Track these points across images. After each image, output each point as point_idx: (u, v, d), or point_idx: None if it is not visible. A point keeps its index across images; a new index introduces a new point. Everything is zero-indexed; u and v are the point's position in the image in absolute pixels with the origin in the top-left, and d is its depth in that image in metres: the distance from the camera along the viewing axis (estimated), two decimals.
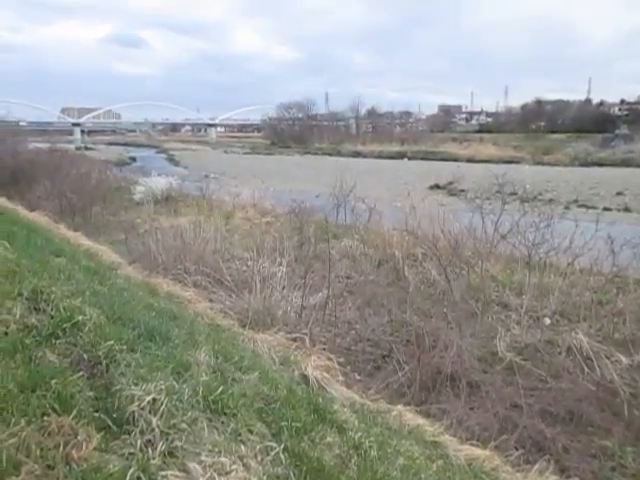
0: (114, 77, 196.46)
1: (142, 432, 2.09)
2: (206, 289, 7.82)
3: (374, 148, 66.85)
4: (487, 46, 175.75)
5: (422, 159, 55.66)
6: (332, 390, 4.13)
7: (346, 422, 3.19)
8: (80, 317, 2.89)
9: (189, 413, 2.29)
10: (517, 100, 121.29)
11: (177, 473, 1.96)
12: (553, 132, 69.11)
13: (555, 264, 8.81)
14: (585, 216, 11.61)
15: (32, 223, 8.39)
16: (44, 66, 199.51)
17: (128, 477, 1.83)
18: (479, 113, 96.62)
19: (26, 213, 10.48)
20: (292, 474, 2.29)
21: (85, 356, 2.54)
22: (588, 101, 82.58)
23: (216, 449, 2.15)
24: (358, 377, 5.87)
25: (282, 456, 2.35)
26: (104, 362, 2.51)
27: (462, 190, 25.75)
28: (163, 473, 1.93)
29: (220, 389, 2.60)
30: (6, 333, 2.60)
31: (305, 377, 4.13)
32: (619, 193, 27.15)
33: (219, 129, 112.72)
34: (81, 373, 2.37)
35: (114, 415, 2.16)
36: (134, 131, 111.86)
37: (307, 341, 5.40)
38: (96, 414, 2.14)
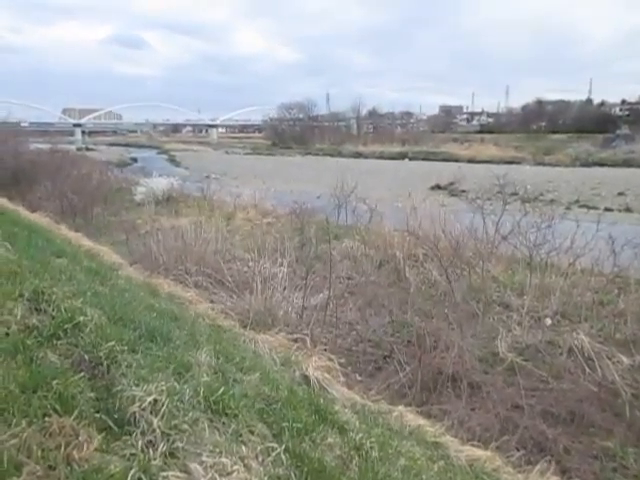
0: (115, 78, 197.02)
1: (143, 433, 2.09)
2: (207, 290, 7.82)
3: (375, 149, 66.89)
4: (488, 46, 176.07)
5: (423, 160, 55.69)
6: (333, 391, 4.12)
7: (347, 423, 3.19)
8: (81, 318, 2.89)
9: (190, 414, 2.29)
10: (518, 100, 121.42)
11: (178, 474, 1.96)
12: (554, 132, 69.07)
13: (556, 264, 8.81)
14: (586, 216, 11.57)
15: (33, 224, 8.39)
16: (45, 67, 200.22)
17: (129, 478, 1.83)
18: (480, 113, 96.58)
19: (27, 214, 10.48)
20: (293, 475, 2.29)
21: (86, 357, 2.54)
22: (589, 101, 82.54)
23: (217, 450, 2.15)
24: (359, 378, 5.87)
25: (283, 457, 2.35)
26: (105, 363, 2.51)
27: (463, 191, 25.79)
28: (164, 474, 1.93)
29: (221, 390, 2.59)
30: (7, 334, 2.60)
31: (306, 378, 4.12)
32: (620, 193, 27.13)
33: (220, 130, 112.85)
34: (82, 374, 2.37)
35: (115, 416, 2.16)
36: (135, 132, 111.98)
37: (308, 342, 5.40)
38: (97, 415, 2.14)
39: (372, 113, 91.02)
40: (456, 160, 51.51)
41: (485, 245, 9.48)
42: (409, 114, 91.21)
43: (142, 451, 2.00)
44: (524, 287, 8.31)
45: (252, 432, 2.44)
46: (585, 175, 36.16)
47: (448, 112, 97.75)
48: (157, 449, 2.03)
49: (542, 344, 6.40)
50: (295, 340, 5.32)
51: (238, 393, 2.73)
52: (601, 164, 46.20)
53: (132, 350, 2.75)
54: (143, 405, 2.20)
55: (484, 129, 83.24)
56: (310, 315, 7.12)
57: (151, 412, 2.19)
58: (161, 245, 9.85)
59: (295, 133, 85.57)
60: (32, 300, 3.02)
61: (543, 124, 77.03)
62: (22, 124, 60.55)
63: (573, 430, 5.03)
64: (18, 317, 2.77)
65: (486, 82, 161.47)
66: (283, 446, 2.41)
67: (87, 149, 59.26)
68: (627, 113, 73.48)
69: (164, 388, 2.35)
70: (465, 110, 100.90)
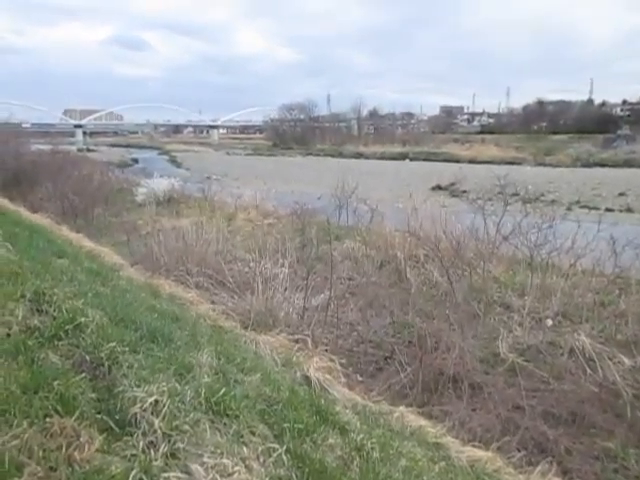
0: (116, 79, 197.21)
1: (144, 434, 2.09)
2: (208, 290, 7.83)
3: (376, 149, 66.95)
4: (488, 46, 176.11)
5: (424, 160, 55.73)
6: (334, 391, 4.12)
7: (348, 423, 3.19)
8: (82, 319, 2.89)
9: (191, 415, 2.29)
10: (519, 101, 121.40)
11: (179, 475, 1.96)
12: (555, 133, 69.06)
13: (557, 265, 8.80)
14: (587, 217, 11.56)
15: (34, 225, 8.39)
16: (46, 68, 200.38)
17: (130, 479, 1.83)
18: (481, 114, 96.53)
19: (28, 214, 10.49)
20: (294, 476, 2.29)
21: (87, 358, 2.54)
22: (590, 101, 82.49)
23: (218, 451, 2.15)
24: (360, 378, 5.87)
25: (284, 457, 2.35)
26: (106, 364, 2.52)
27: (464, 191, 25.81)
28: (165, 475, 1.93)
29: (222, 391, 2.60)
30: (8, 335, 2.60)
31: (307, 378, 4.13)
32: (621, 194, 27.13)
33: (221, 131, 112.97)
34: (83, 375, 2.38)
35: (116, 417, 2.16)
36: (136, 133, 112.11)
37: (309, 342, 5.39)
38: (98, 416, 2.14)
39: (373, 114, 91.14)
40: (457, 161, 51.56)
41: (486, 246, 9.48)
42: (410, 115, 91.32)
43: (143, 452, 2.01)
44: (525, 288, 8.30)
45: (253, 433, 2.44)
46: (586, 175, 36.15)
47: (449, 113, 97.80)
48: (158, 450, 2.03)
49: (543, 345, 6.39)
50: (296, 341, 5.32)
51: (239, 394, 2.73)
52: (602, 164, 46.17)
53: (133, 351, 2.75)
54: (144, 406, 2.21)
55: (485, 130, 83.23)
56: (311, 316, 7.11)
57: (152, 413, 2.19)
58: (162, 246, 9.85)
59: (296, 134, 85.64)
60: (33, 301, 3.03)
61: (544, 124, 77.01)
62: (23, 125, 60.57)
63: (574, 431, 5.03)
64: (19, 318, 2.77)
65: (487, 82, 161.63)
66: (284, 447, 2.41)
67: (88, 150, 59.32)
68: (628, 113, 73.41)
69: (165, 389, 2.35)
70: (466, 110, 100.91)
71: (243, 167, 45.26)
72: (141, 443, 2.04)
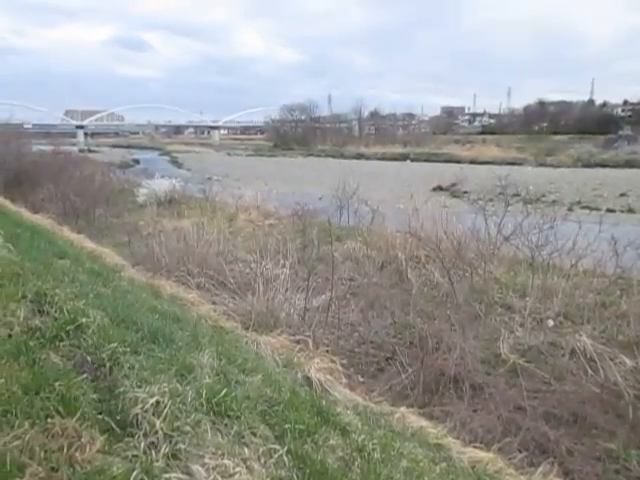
0: (117, 79, 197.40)
1: (145, 434, 2.10)
2: (209, 291, 7.83)
3: (377, 150, 66.97)
4: (489, 47, 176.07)
5: (425, 161, 55.78)
6: (335, 392, 4.12)
7: (349, 424, 3.19)
8: (84, 319, 2.90)
9: (192, 415, 2.30)
10: (520, 101, 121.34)
11: (180, 476, 1.96)
12: (556, 133, 69.12)
13: (558, 266, 8.79)
14: (588, 217, 11.55)
15: (36, 225, 8.41)
16: (47, 68, 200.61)
17: (131, 479, 1.84)
18: (482, 115, 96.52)
19: (30, 215, 10.52)
20: (295, 477, 2.29)
21: (89, 358, 2.55)
22: (591, 102, 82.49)
23: (219, 451, 2.15)
24: (361, 379, 5.86)
25: (285, 458, 2.35)
26: (108, 364, 2.52)
27: (465, 192, 25.80)
28: (166, 475, 1.94)
29: (223, 391, 2.60)
30: (10, 335, 2.61)
31: (308, 379, 4.13)
32: (622, 194, 27.12)
33: (222, 131, 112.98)
34: (85, 375, 2.38)
35: (118, 417, 2.17)
36: (137, 133, 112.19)
37: (310, 343, 5.39)
38: (100, 416, 2.14)
39: (374, 114, 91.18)
40: (458, 161, 51.57)
41: (487, 246, 9.47)
42: (411, 115, 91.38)
43: (144, 453, 2.01)
44: (526, 288, 8.29)
45: (254, 434, 2.44)
46: (587, 176, 36.14)
47: (450, 113, 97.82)
48: (159, 451, 2.03)
49: (544, 345, 6.39)
50: (297, 342, 5.32)
51: (240, 395, 2.73)
52: (603, 165, 46.17)
53: (134, 352, 2.75)
54: (145, 407, 2.21)
55: (486, 130, 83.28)
56: (312, 317, 7.11)
57: (153, 414, 2.19)
58: (163, 247, 9.86)
59: (297, 134, 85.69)
60: (35, 302, 3.03)
61: (545, 125, 77.07)
62: (25, 126, 60.64)
63: (576, 432, 5.02)
64: (21, 319, 2.78)
65: (488, 83, 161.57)
66: (285, 448, 2.41)
67: (89, 151, 59.39)
68: (629, 114, 73.42)
69: (166, 390, 2.35)
70: (467, 111, 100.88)
71: (244, 168, 45.27)
72: (142, 444, 2.05)
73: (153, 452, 2.02)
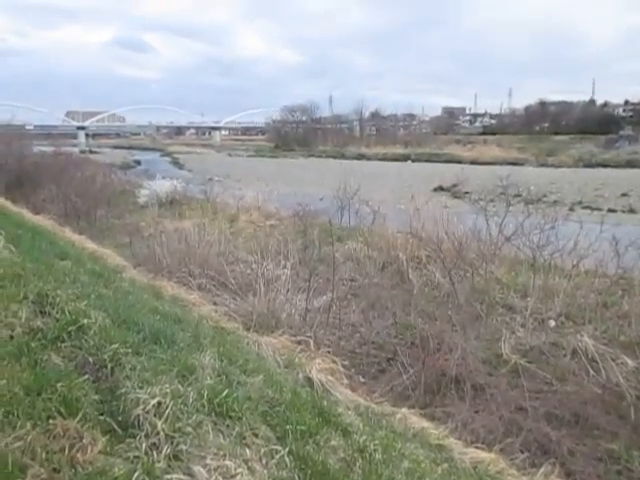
0: (118, 80, 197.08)
1: (147, 435, 2.10)
2: (210, 292, 7.83)
3: (378, 150, 67.02)
4: (489, 47, 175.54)
5: (426, 161, 55.84)
6: (336, 393, 4.12)
7: (351, 425, 3.19)
8: (85, 320, 2.90)
9: (194, 416, 2.30)
10: (521, 102, 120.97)
11: (182, 477, 1.96)
12: (557, 133, 69.11)
13: (560, 266, 8.78)
14: (590, 218, 11.59)
15: (37, 226, 8.42)
16: (48, 70, 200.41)
17: None
18: (483, 115, 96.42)
19: (31, 216, 10.53)
20: (297, 477, 2.29)
21: (90, 359, 2.55)
22: (592, 102, 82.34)
23: (221, 452, 2.15)
24: (362, 380, 5.86)
25: (287, 459, 2.35)
26: (109, 365, 2.52)
27: (466, 192, 25.77)
28: (168, 476, 1.94)
29: (225, 392, 2.60)
30: (12, 337, 2.61)
31: (309, 380, 4.13)
32: (624, 194, 27.11)
33: (223, 132, 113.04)
34: (86, 376, 2.38)
35: (119, 418, 2.17)
36: (138, 134, 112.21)
37: (311, 344, 5.39)
38: (101, 417, 2.14)
39: (375, 115, 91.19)
40: (459, 162, 51.58)
41: (488, 247, 9.47)
42: (412, 116, 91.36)
43: (146, 454, 2.01)
44: (528, 289, 8.29)
45: (256, 435, 2.44)
46: (588, 176, 36.14)
47: (451, 114, 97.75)
48: (161, 452, 2.03)
49: (546, 346, 6.38)
50: (298, 342, 5.33)
51: (242, 396, 2.73)
52: (604, 165, 46.19)
53: (136, 353, 2.76)
54: (147, 408, 2.21)
55: (487, 130, 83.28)
56: (313, 317, 7.11)
57: (155, 415, 2.19)
58: (164, 247, 9.86)
59: (298, 135, 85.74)
60: (36, 303, 3.04)
61: (546, 125, 77.02)
62: (27, 127, 60.71)
63: (577, 432, 5.01)
64: (22, 319, 2.78)
65: (489, 83, 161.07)
66: (287, 449, 2.41)
67: (90, 152, 59.48)
68: (630, 114, 73.29)
69: (168, 391, 2.35)
70: (468, 111, 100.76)
71: (245, 169, 45.28)
72: (144, 445, 2.05)
73: (155, 453, 2.02)
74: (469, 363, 5.78)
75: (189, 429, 2.20)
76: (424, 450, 3.50)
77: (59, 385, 2.19)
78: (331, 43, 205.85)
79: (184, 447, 2.10)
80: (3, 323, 2.72)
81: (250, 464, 2.18)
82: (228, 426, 2.40)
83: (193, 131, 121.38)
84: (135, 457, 1.98)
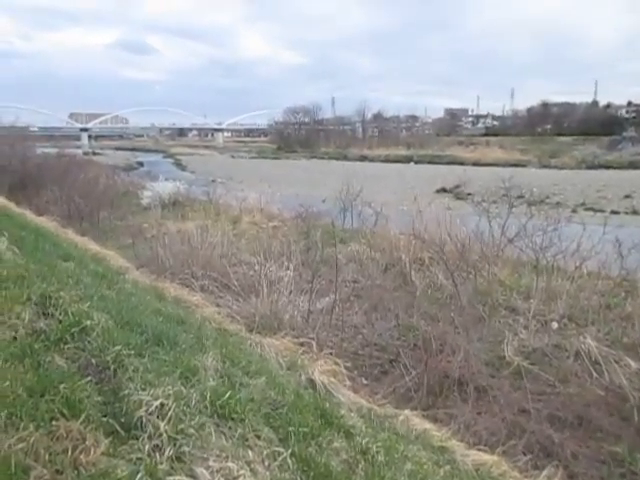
0: (121, 82, 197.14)
1: (150, 437, 2.10)
2: (213, 293, 7.83)
3: (380, 152, 67.04)
4: (492, 49, 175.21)
5: (428, 163, 55.87)
6: (339, 395, 4.12)
7: (353, 427, 3.19)
8: (88, 322, 2.91)
9: (197, 418, 2.30)
10: (523, 103, 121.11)
11: (185, 478, 1.96)
12: (560, 135, 69.01)
13: (563, 268, 8.76)
14: (593, 219, 11.53)
15: (40, 228, 8.44)
16: (52, 72, 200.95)
17: None
18: (485, 116, 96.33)
19: (34, 218, 10.55)
20: (299, 479, 2.29)
21: (93, 361, 2.55)
22: (595, 103, 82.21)
23: (223, 454, 2.15)
24: (365, 382, 5.86)
25: (289, 461, 2.35)
26: (112, 367, 2.52)
27: (469, 194, 25.71)
28: (171, 478, 1.94)
29: (227, 394, 2.60)
30: (15, 338, 2.62)
31: (312, 382, 4.12)
32: (627, 196, 27.04)
33: (226, 134, 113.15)
34: (89, 378, 2.38)
35: (122, 420, 2.17)
36: (141, 136, 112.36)
37: (314, 345, 5.40)
38: (104, 419, 2.15)
39: (377, 116, 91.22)
40: (461, 163, 51.46)
41: (491, 248, 9.46)
42: (414, 117, 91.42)
43: (149, 455, 2.01)
44: (530, 290, 8.27)
45: (258, 436, 2.44)
46: (591, 178, 36.08)
47: (453, 115, 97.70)
48: (164, 453, 2.04)
49: (549, 348, 6.37)
50: (301, 344, 5.33)
51: (244, 397, 2.73)
52: (607, 166, 46.11)
53: (139, 354, 2.76)
54: (150, 409, 2.21)
55: (489, 132, 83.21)
56: (316, 319, 7.11)
57: (158, 416, 2.20)
58: (167, 249, 9.88)
59: (301, 137, 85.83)
60: (39, 304, 3.04)
61: (548, 127, 76.93)
62: (31, 129, 60.86)
63: (580, 435, 5.00)
64: (26, 321, 2.79)
65: (491, 85, 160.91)
66: (289, 450, 2.41)
67: (94, 153, 59.59)
68: (633, 115, 73.10)
69: (171, 392, 2.36)
70: (470, 113, 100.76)
71: (248, 170, 45.31)
72: (147, 446, 2.05)
73: (157, 455, 2.02)
74: (472, 365, 5.77)
75: (192, 431, 2.20)
76: (426, 452, 3.49)
77: (62, 387, 2.20)
78: (333, 45, 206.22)
79: (187, 449, 2.10)
80: (6, 324, 2.72)
81: (252, 466, 2.18)
82: (231, 428, 2.40)
83: (196, 133, 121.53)
84: (138, 459, 1.98)
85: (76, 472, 1.82)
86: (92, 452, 1.91)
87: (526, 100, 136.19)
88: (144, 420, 2.17)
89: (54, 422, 1.99)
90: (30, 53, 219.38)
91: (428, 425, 4.22)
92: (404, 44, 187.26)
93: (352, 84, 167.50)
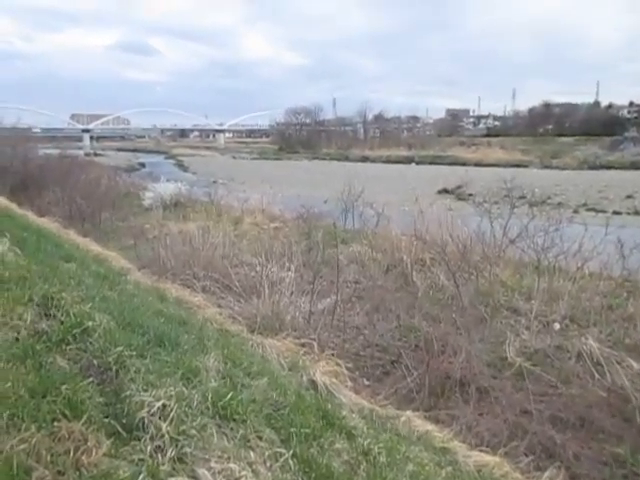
0: (123, 83, 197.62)
1: (152, 438, 2.10)
2: (215, 294, 7.83)
3: (382, 153, 67.04)
4: (493, 49, 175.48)
5: (430, 163, 55.86)
6: (341, 396, 4.12)
7: (355, 428, 3.18)
8: (90, 323, 2.91)
9: (198, 419, 2.30)
10: (525, 103, 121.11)
11: (186, 479, 1.96)
12: (561, 135, 68.94)
13: (564, 268, 8.76)
14: (594, 220, 11.53)
15: (42, 229, 8.45)
16: (53, 73, 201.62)
17: None
18: (486, 117, 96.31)
19: (36, 219, 10.56)
20: None
21: (95, 362, 2.56)
22: (596, 104, 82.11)
23: (225, 455, 2.15)
24: (367, 382, 5.85)
25: (291, 462, 2.35)
26: (114, 368, 2.52)
27: (470, 194, 25.71)
28: (173, 479, 1.94)
29: (229, 395, 2.60)
30: (17, 339, 2.62)
31: (314, 383, 4.12)
32: (629, 196, 27.00)
33: (227, 135, 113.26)
34: (91, 379, 2.39)
35: (124, 421, 2.17)
36: (143, 137, 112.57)
37: (315, 346, 5.40)
38: (106, 420, 2.15)
39: (378, 117, 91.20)
40: (463, 164, 51.47)
41: (493, 249, 9.46)
42: (415, 118, 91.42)
43: (151, 456, 2.01)
44: (532, 291, 8.26)
45: (260, 437, 2.44)
46: (593, 178, 36.05)
47: (455, 116, 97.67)
48: (166, 454, 2.04)
49: (551, 349, 6.36)
50: (302, 345, 5.33)
51: (246, 398, 2.73)
52: (609, 167, 46.09)
53: (140, 355, 2.76)
54: (152, 410, 2.21)
55: (491, 132, 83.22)
56: (317, 320, 7.11)
57: (160, 417, 2.20)
58: (169, 250, 9.88)
59: (302, 138, 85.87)
60: (41, 305, 3.05)
61: (550, 127, 76.87)
62: (33, 130, 61.02)
63: (582, 436, 4.99)
64: (28, 322, 2.79)
65: (492, 85, 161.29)
66: (291, 451, 2.41)
67: (95, 154, 59.69)
68: (635, 115, 73.10)
69: (172, 393, 2.36)
70: (472, 113, 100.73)
71: (249, 171, 45.33)
72: (148, 447, 2.05)
73: (159, 456, 2.03)
74: (473, 366, 5.76)
75: (193, 432, 2.20)
76: (428, 453, 3.49)
77: (64, 388, 2.20)
78: (334, 45, 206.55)
79: (188, 450, 2.10)
80: (9, 325, 2.73)
81: (254, 467, 2.18)
82: (232, 429, 2.40)
83: (197, 134, 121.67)
84: (140, 460, 1.99)
85: (78, 473, 1.82)
86: (94, 453, 1.91)
87: (527, 100, 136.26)
88: (146, 421, 2.17)
89: (56, 423, 1.99)
90: (31, 54, 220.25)
91: (430, 426, 4.21)
92: (405, 44, 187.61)
93: (353, 85, 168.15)
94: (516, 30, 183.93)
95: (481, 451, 3.94)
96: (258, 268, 8.87)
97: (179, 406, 2.29)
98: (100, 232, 14.25)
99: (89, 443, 1.94)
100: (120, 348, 2.68)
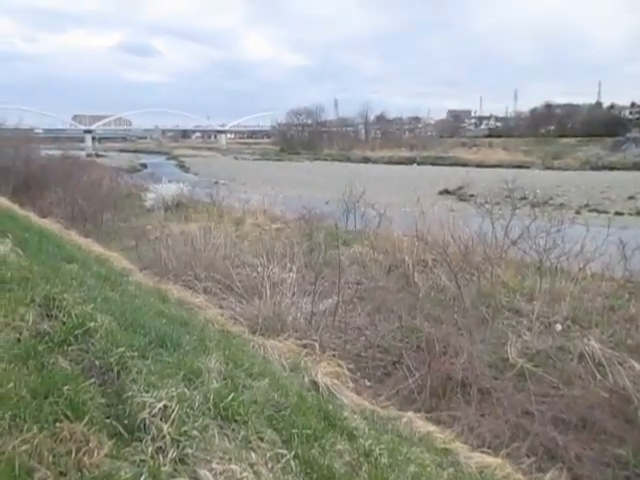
0: (125, 84, 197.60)
1: (153, 439, 2.10)
2: (216, 295, 7.83)
3: (383, 154, 67.07)
4: (495, 50, 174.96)
5: (431, 164, 55.90)
6: (342, 397, 4.12)
7: (356, 429, 3.18)
8: (92, 324, 2.91)
9: (200, 420, 2.30)
10: (526, 104, 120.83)
11: None
12: (563, 136, 68.89)
13: (566, 269, 8.75)
14: (596, 221, 11.52)
15: (44, 229, 8.46)
16: (55, 74, 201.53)
17: None
18: (488, 118, 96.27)
19: (38, 219, 10.57)
20: None
21: (97, 363, 2.56)
22: (598, 104, 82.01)
23: (227, 456, 2.15)
24: (368, 383, 5.85)
25: (292, 463, 2.35)
26: (115, 369, 2.53)
27: (472, 195, 25.75)
28: None
29: (231, 396, 2.60)
30: (19, 340, 2.62)
31: (315, 384, 4.12)
32: (631, 197, 26.99)
33: (229, 136, 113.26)
34: (93, 380, 2.39)
35: (125, 422, 2.17)
36: (145, 138, 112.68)
37: (317, 347, 5.40)
38: (107, 421, 2.15)
39: (380, 118, 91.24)
40: (464, 165, 51.47)
41: (494, 250, 9.45)
42: (417, 119, 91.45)
43: (152, 457, 2.01)
44: (534, 292, 8.25)
45: (261, 438, 2.44)
46: (595, 179, 36.04)
47: (456, 117, 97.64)
48: (167, 455, 2.04)
49: (552, 350, 6.35)
50: (304, 346, 5.32)
51: (247, 399, 2.73)
52: (611, 168, 46.06)
53: (142, 356, 2.76)
54: (153, 411, 2.21)
55: (492, 133, 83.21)
56: (319, 320, 7.11)
57: (161, 418, 2.20)
58: (170, 251, 9.89)
59: (303, 139, 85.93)
60: (43, 306, 3.05)
61: (552, 128, 76.85)
62: (36, 130, 61.17)
63: (584, 437, 4.98)
64: (30, 323, 2.79)
65: (494, 86, 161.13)
66: (292, 452, 2.41)
67: (97, 155, 59.83)
68: (637, 116, 72.99)
69: (174, 394, 2.36)
70: (473, 114, 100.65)
71: (251, 172, 45.35)
72: (150, 448, 2.05)
73: (161, 457, 2.03)
74: (475, 367, 5.76)
75: (195, 433, 2.20)
76: (430, 454, 3.49)
77: (66, 388, 2.20)
78: (335, 46, 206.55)
79: (190, 451, 2.10)
80: (10, 326, 2.73)
81: (256, 468, 2.18)
82: (234, 430, 2.40)
83: (199, 134, 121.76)
84: (141, 461, 1.99)
85: (80, 474, 1.83)
86: (95, 454, 1.91)
87: (529, 101, 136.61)
88: (147, 422, 2.17)
89: (58, 424, 2.00)
90: (33, 55, 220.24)
91: (431, 427, 4.21)
92: (406, 45, 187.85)
93: (355, 86, 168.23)
94: (517, 30, 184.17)
95: (483, 452, 3.94)
96: (260, 269, 8.87)
97: (181, 407, 2.30)
98: (102, 233, 14.26)
99: (91, 444, 1.94)
100: (122, 349, 2.68)
